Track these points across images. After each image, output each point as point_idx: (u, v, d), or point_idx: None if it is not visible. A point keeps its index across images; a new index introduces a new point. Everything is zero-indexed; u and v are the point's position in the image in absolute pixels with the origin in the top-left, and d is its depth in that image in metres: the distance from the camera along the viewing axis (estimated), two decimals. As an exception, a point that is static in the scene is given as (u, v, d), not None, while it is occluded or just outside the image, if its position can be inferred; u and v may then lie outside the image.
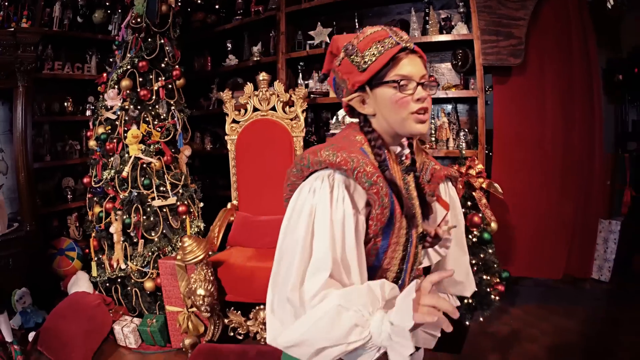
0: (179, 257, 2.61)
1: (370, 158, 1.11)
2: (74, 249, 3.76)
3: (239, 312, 2.77)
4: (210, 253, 2.74)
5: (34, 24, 3.63)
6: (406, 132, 1.14)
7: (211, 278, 2.60)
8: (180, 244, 2.72)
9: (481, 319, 2.80)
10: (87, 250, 3.69)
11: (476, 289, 2.31)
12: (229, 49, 4.28)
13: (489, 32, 3.22)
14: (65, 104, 4.09)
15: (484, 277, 2.69)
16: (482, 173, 2.91)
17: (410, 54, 1.11)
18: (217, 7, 4.31)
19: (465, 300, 2.68)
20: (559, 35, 3.47)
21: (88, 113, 4.13)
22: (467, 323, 2.78)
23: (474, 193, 2.87)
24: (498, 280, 2.76)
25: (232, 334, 2.84)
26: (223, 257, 2.83)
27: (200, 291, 2.53)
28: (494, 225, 2.83)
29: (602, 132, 3.67)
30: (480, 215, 2.81)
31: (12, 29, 3.38)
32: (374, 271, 1.16)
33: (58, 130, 4.10)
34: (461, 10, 3.35)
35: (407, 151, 1.23)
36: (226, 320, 2.79)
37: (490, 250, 2.77)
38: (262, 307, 2.72)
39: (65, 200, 4.02)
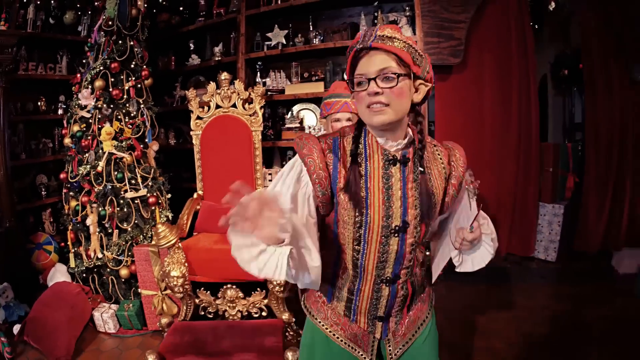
0: (153, 242, 2.88)
1: (323, 145, 1.36)
2: (51, 243, 3.95)
3: (208, 292, 3.05)
4: (180, 238, 3.02)
5: (10, 26, 3.75)
6: (368, 124, 1.32)
7: (183, 260, 2.87)
8: (151, 232, 2.99)
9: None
10: (62, 244, 3.89)
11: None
12: (191, 49, 4.52)
13: (431, 34, 3.58)
14: (39, 103, 4.23)
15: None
16: None
17: (370, 51, 1.25)
18: (181, 8, 4.54)
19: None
20: (499, 36, 3.83)
21: (60, 112, 4.30)
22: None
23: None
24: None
25: (202, 313, 3.07)
26: (192, 242, 3.10)
27: (174, 272, 2.80)
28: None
29: (538, 123, 4.05)
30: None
31: None
32: (334, 242, 1.40)
33: (31, 129, 4.23)
34: (407, 13, 3.69)
35: (394, 145, 1.35)
36: (197, 300, 3.04)
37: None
38: (228, 286, 2.99)
39: (40, 197, 4.17)
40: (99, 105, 3.40)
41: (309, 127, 3.96)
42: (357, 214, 1.32)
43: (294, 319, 2.89)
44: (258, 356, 2.51)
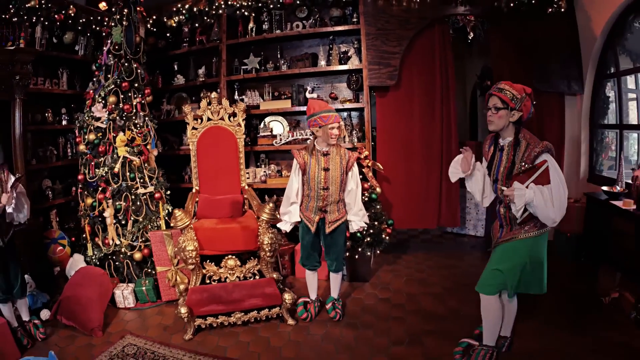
0: (172, 224, 3.74)
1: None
2: (64, 237, 4.53)
3: (212, 263, 3.94)
4: (190, 221, 3.90)
5: (25, 44, 4.28)
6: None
7: (194, 238, 3.74)
8: (157, 222, 3.87)
9: (378, 251, 4.36)
10: (72, 239, 4.55)
11: (372, 231, 3.83)
12: (176, 69, 5.37)
13: (374, 62, 4.72)
14: (46, 114, 4.79)
15: (376, 224, 4.19)
16: (368, 156, 4.49)
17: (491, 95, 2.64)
18: (168, 34, 5.35)
19: (366, 240, 4.17)
20: (425, 62, 4.93)
21: (64, 123, 4.90)
22: (369, 254, 4.29)
23: (363, 169, 4.38)
24: (386, 226, 4.31)
25: (208, 281, 3.87)
26: (197, 224, 3.98)
27: (189, 247, 3.65)
28: (378, 189, 4.36)
29: (456, 127, 5.16)
30: (368, 183, 4.32)
31: (12, 48, 4.02)
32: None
33: (37, 138, 4.76)
34: (355, 46, 4.81)
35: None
36: (204, 271, 3.91)
37: (378, 207, 4.30)
38: (229, 257, 3.89)
39: (47, 199, 4.67)
40: (114, 117, 4.19)
41: (279, 135, 4.97)
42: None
43: (281, 277, 3.89)
44: (263, 300, 3.49)
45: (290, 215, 3.54)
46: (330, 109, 3.36)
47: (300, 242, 3.65)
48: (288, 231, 3.64)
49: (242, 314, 3.49)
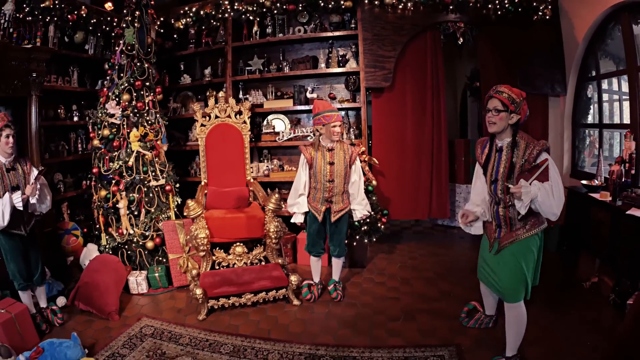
0: (185, 213, 4.01)
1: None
2: (77, 228, 4.75)
3: (222, 250, 4.23)
4: (201, 212, 4.19)
5: (41, 43, 4.49)
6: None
7: (206, 226, 4.03)
8: (168, 213, 4.19)
9: (374, 239, 4.68)
10: (84, 229, 4.78)
11: (368, 220, 4.15)
12: (182, 69, 5.65)
13: (370, 65, 5.04)
14: (59, 111, 5.00)
15: (372, 214, 4.50)
16: (365, 152, 4.85)
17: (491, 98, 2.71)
18: (174, 36, 5.63)
19: (363, 228, 4.49)
20: (418, 65, 5.26)
21: (75, 119, 5.15)
22: (366, 241, 4.62)
23: (360, 164, 4.69)
24: (381, 215, 4.64)
25: (217, 267, 4.15)
26: (208, 214, 4.26)
27: (201, 234, 3.93)
28: (374, 182, 4.69)
29: (446, 124, 5.50)
30: (365, 176, 4.65)
31: (29, 47, 4.19)
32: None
33: (50, 133, 4.96)
34: (353, 50, 5.14)
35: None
36: (214, 257, 4.19)
37: (374, 198, 4.63)
38: (237, 244, 4.18)
39: (59, 192, 4.86)
40: (127, 114, 4.46)
41: (281, 132, 5.27)
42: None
43: (286, 262, 4.19)
44: (271, 281, 3.80)
45: (299, 207, 3.87)
46: (332, 108, 3.69)
47: (307, 231, 3.99)
48: (302, 222, 3.94)
49: (252, 295, 3.78)
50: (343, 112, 5.41)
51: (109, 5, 5.48)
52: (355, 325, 3.49)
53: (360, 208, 3.89)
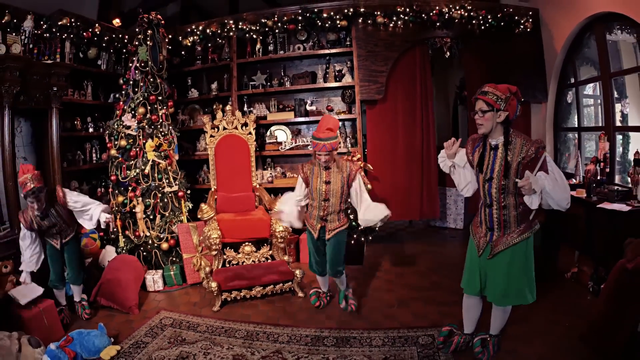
0: (199, 216, 4.41)
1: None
2: (95, 232, 4.99)
3: (232, 249, 4.60)
4: (212, 214, 4.57)
5: (61, 59, 4.88)
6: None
7: (218, 227, 4.42)
8: (182, 216, 4.59)
9: (370, 237, 5.08)
10: (101, 233, 5.05)
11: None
12: (189, 84, 6.07)
13: (364, 80, 5.48)
14: (75, 122, 5.39)
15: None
16: (360, 159, 5.27)
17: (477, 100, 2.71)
18: (182, 52, 6.05)
19: (360, 228, 4.87)
20: (408, 78, 5.69)
21: (90, 130, 5.55)
22: (363, 239, 5.00)
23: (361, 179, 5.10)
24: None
25: (228, 265, 4.51)
26: (219, 217, 4.65)
27: (214, 235, 4.32)
28: (369, 186, 5.08)
29: (435, 133, 5.93)
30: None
31: (50, 62, 4.56)
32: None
33: (67, 144, 5.23)
34: (349, 65, 5.57)
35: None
36: (224, 256, 4.54)
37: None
38: (246, 244, 4.56)
39: None
40: (143, 126, 4.85)
41: (283, 142, 5.70)
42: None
43: (290, 260, 4.57)
44: (279, 275, 4.18)
45: (283, 204, 3.84)
46: (323, 136, 3.47)
47: (308, 249, 3.94)
48: (288, 212, 3.80)
49: (261, 287, 4.15)
50: (340, 123, 5.79)
51: (116, 22, 5.90)
52: (355, 312, 3.87)
53: (379, 211, 3.60)
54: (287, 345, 3.40)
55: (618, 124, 4.76)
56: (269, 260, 4.56)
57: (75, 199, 3.77)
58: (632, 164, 4.09)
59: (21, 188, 3.47)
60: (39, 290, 3.61)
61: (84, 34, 5.28)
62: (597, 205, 3.92)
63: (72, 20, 5.05)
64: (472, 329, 3.19)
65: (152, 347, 3.42)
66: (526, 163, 2.61)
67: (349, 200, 3.75)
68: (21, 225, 3.63)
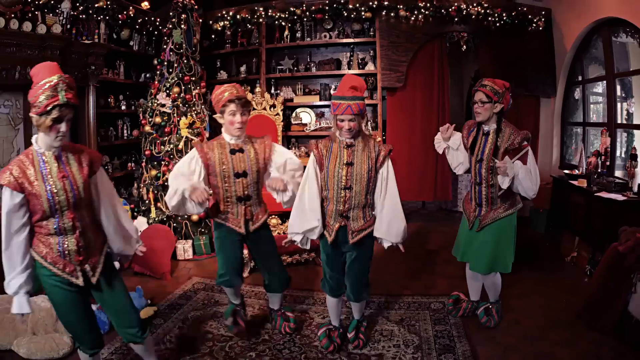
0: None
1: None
2: (126, 204, 5.36)
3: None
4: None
5: (98, 40, 5.19)
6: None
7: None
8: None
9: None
10: (132, 205, 5.43)
11: None
12: (218, 66, 6.41)
13: (386, 68, 5.82)
14: (109, 100, 5.73)
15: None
16: (380, 142, 5.47)
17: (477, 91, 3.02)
18: (212, 36, 6.38)
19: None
20: (426, 68, 6.03)
21: (123, 107, 5.89)
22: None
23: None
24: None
25: None
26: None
27: None
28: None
29: (450, 119, 6.11)
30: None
31: (89, 42, 4.85)
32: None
33: (99, 120, 5.48)
34: (371, 54, 5.91)
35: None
36: None
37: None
38: (272, 216, 4.88)
39: (107, 173, 5.50)
40: (177, 104, 5.20)
41: (308, 123, 6.07)
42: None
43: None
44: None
45: (314, 231, 2.84)
46: (347, 94, 2.64)
47: (320, 258, 3.06)
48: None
49: (287, 256, 4.54)
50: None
51: (145, 4, 6.19)
52: (373, 282, 4.24)
53: (388, 235, 2.80)
54: (312, 306, 3.80)
55: (623, 121, 5.06)
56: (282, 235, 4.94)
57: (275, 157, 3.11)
58: (629, 158, 4.44)
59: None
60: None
61: (119, 16, 5.58)
62: (595, 194, 4.28)
63: (108, 2, 5.35)
64: (478, 297, 3.50)
65: (187, 308, 3.77)
66: (510, 150, 2.95)
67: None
68: None
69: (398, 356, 3.01)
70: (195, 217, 5.14)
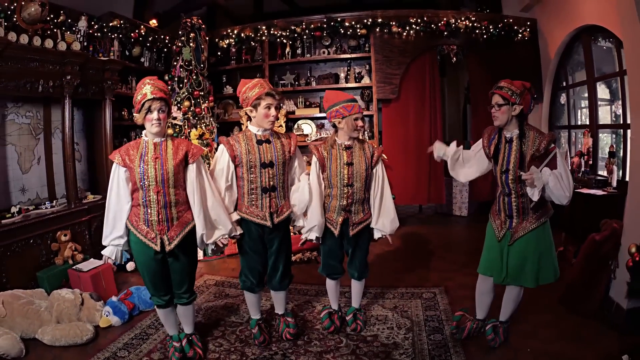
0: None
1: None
2: None
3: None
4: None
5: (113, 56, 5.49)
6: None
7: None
8: None
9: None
10: None
11: None
12: (224, 81, 6.84)
13: (380, 81, 6.23)
14: (122, 113, 6.05)
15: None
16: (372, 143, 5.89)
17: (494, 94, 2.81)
18: (218, 53, 6.81)
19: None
20: (418, 80, 6.44)
21: None
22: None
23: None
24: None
25: None
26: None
27: None
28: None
29: (442, 127, 6.71)
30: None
31: (105, 59, 5.17)
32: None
33: (114, 132, 5.63)
34: (367, 68, 6.33)
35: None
36: None
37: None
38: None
39: None
40: (188, 117, 5.61)
41: (309, 134, 6.46)
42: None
43: (315, 234, 5.29)
44: (307, 244, 4.82)
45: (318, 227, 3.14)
46: (351, 97, 3.09)
47: (321, 248, 3.37)
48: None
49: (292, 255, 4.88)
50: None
51: (153, 22, 6.60)
52: (370, 276, 4.53)
53: (383, 227, 3.23)
54: (315, 297, 4.16)
55: (609, 122, 5.41)
56: (296, 234, 5.29)
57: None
58: (608, 156, 4.79)
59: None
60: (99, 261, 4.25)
61: (132, 34, 5.99)
62: (576, 190, 4.62)
63: (122, 22, 5.76)
64: (484, 315, 3.24)
65: (200, 300, 4.12)
66: (536, 156, 2.72)
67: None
68: None
69: (391, 336, 3.35)
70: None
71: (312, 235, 3.16)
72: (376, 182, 3.18)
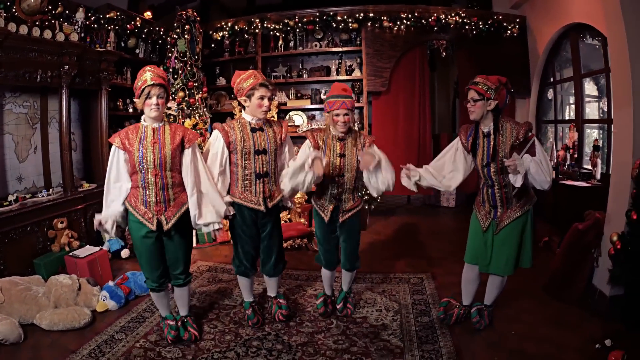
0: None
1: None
2: None
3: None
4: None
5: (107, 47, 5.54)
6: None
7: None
8: None
9: (372, 207, 5.92)
10: None
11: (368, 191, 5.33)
12: (217, 73, 6.92)
13: (371, 74, 6.33)
14: (117, 103, 6.10)
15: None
16: (365, 133, 6.00)
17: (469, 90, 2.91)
18: (212, 45, 6.88)
19: (364, 198, 5.73)
20: (408, 74, 6.56)
21: (130, 110, 6.32)
22: (367, 207, 5.87)
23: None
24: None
25: None
26: (245, 187, 5.52)
27: None
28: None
29: (430, 123, 6.84)
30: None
31: (102, 50, 5.21)
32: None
33: (109, 122, 5.72)
34: (358, 61, 6.44)
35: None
36: None
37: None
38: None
39: None
40: (182, 107, 5.69)
41: (300, 125, 6.56)
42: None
43: (306, 222, 5.44)
44: (297, 232, 5.08)
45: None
46: (339, 93, 3.13)
47: (316, 236, 3.55)
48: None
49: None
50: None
51: (147, 14, 6.64)
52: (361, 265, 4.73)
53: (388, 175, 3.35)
54: (305, 282, 4.29)
55: (594, 117, 5.52)
56: (287, 222, 5.43)
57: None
58: (592, 149, 4.94)
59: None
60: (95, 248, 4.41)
61: (128, 26, 6.05)
62: (560, 182, 4.77)
63: (118, 13, 5.82)
64: (470, 301, 3.35)
65: (194, 285, 4.25)
66: (516, 145, 2.81)
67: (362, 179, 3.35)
68: None
69: (380, 318, 3.50)
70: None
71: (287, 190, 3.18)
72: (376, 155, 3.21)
